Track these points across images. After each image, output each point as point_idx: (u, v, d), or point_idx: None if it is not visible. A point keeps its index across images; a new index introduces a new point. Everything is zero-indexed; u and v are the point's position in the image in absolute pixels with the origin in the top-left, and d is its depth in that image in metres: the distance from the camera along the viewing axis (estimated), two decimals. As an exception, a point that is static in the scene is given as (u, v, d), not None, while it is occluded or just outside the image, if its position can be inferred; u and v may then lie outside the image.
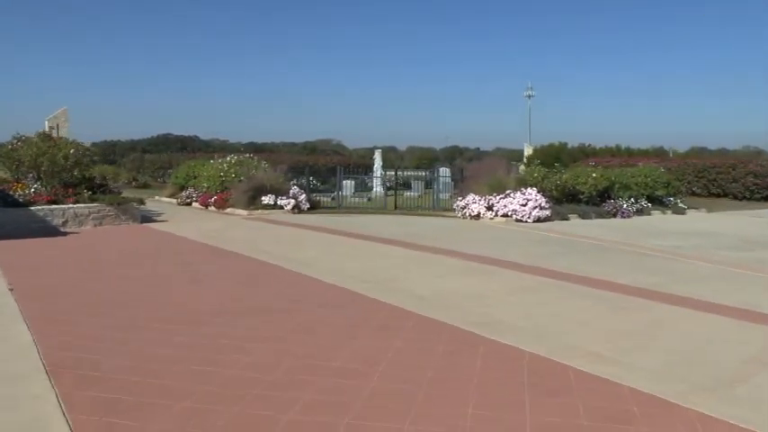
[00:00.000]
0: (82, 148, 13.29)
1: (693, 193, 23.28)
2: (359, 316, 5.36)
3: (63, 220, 11.63)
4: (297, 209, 15.84)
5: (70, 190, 12.36)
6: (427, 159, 54.08)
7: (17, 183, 12.83)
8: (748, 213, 17.62)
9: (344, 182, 19.89)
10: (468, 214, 14.85)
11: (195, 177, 18.90)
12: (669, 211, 17.19)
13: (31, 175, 13.15)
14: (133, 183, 29.48)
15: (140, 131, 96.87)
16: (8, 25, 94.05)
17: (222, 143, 59.75)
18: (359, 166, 28.77)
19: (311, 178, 20.19)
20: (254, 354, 4.25)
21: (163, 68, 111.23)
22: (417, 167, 40.70)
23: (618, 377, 3.83)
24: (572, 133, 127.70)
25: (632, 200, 16.65)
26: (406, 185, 23.53)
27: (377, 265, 8.05)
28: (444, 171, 21.84)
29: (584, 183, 16.39)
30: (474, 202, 14.88)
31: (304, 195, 16.37)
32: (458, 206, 15.44)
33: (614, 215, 15.64)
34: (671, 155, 36.56)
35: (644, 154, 33.82)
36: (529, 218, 13.95)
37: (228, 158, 18.46)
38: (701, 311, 5.66)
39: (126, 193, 15.70)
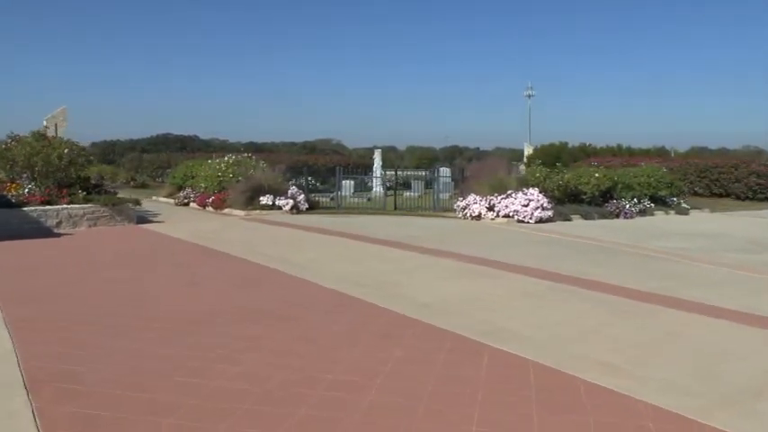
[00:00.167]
0: (77, 148, 13.05)
1: (696, 193, 23.06)
2: (357, 322, 5.14)
3: (57, 221, 11.41)
4: (295, 209, 15.62)
5: (64, 190, 12.14)
6: (427, 159, 53.89)
7: (11, 183, 12.61)
8: (752, 214, 17.40)
9: (344, 182, 19.66)
10: (468, 215, 14.63)
11: (193, 177, 18.67)
12: (672, 212, 16.97)
13: (25, 175, 12.93)
14: (131, 183, 29.25)
15: (140, 131, 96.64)
16: (8, 25, 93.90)
17: (222, 143, 59.56)
18: (358, 165, 28.56)
19: (310, 178, 19.98)
20: (246, 364, 4.03)
21: (163, 68, 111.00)
22: (417, 167, 40.51)
23: (631, 390, 3.61)
24: (572, 133, 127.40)
25: (635, 200, 16.43)
26: (406, 185, 23.30)
27: (376, 267, 7.83)
28: (444, 171, 21.63)
29: (586, 183, 16.17)
30: (475, 203, 14.65)
31: (302, 195, 16.15)
32: (458, 207, 15.21)
33: (617, 216, 15.42)
34: (672, 154, 36.38)
35: (645, 154, 33.64)
36: (531, 218, 13.73)
37: (226, 158, 18.22)
38: (713, 318, 5.44)
39: (124, 193, 15.50)
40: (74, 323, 5.00)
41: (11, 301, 5.67)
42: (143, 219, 13.24)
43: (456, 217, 15.03)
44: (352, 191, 21.51)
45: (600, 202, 16.13)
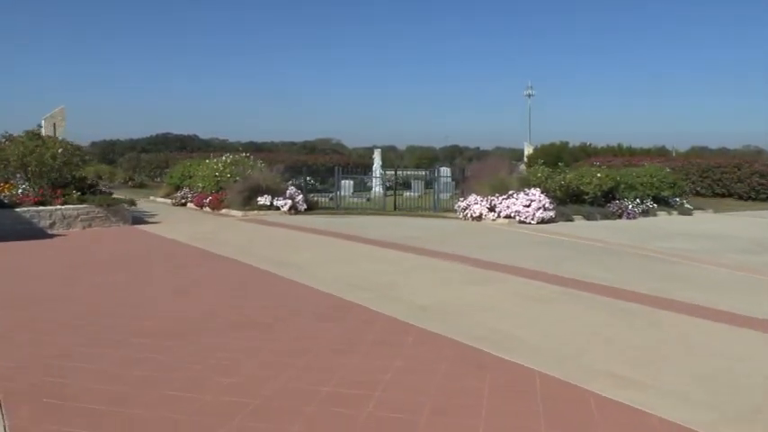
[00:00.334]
0: (71, 148, 12.83)
1: (698, 193, 22.86)
2: (355, 330, 4.94)
3: (50, 221, 11.21)
4: (294, 210, 15.42)
5: (58, 191, 11.94)
6: (427, 159, 53.65)
7: (5, 183, 12.41)
8: (756, 214, 17.21)
9: (343, 182, 19.45)
10: (469, 215, 14.43)
11: (190, 177, 18.48)
12: (675, 212, 16.78)
13: (18, 175, 12.72)
14: (129, 182, 29.05)
15: (140, 131, 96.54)
16: (8, 25, 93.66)
17: (222, 142, 59.37)
18: (358, 165, 28.37)
19: (309, 178, 19.77)
20: (237, 375, 3.83)
21: (163, 68, 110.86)
22: (417, 167, 40.29)
23: (645, 404, 3.41)
24: (572, 132, 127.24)
25: (638, 200, 16.24)
26: (406, 185, 23.10)
27: (375, 270, 7.63)
28: (445, 171, 21.43)
29: (588, 183, 15.97)
30: (476, 203, 14.45)
31: (301, 196, 15.95)
32: (459, 207, 15.02)
33: (620, 216, 15.23)
34: (673, 154, 36.11)
35: (646, 153, 33.37)
36: (532, 219, 13.54)
37: (224, 158, 18.02)
38: (725, 323, 5.24)
39: (121, 194, 15.32)
40: (61, 329, 4.80)
41: (-4, 306, 5.48)
42: (139, 219, 13.04)
43: (457, 217, 14.83)
44: (351, 191, 21.31)
45: (602, 202, 15.94)
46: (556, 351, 4.41)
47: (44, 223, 11.11)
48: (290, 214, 15.07)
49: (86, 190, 12.71)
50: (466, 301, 5.93)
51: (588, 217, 14.77)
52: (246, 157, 18.42)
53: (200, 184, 17.23)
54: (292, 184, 16.70)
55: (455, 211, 15.23)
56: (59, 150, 12.19)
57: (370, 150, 30.13)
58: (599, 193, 16.00)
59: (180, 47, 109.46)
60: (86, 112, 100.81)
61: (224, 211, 15.32)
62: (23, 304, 5.64)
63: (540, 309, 5.73)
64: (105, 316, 5.24)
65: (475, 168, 18.44)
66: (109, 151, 46.26)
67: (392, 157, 48.44)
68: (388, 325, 5.08)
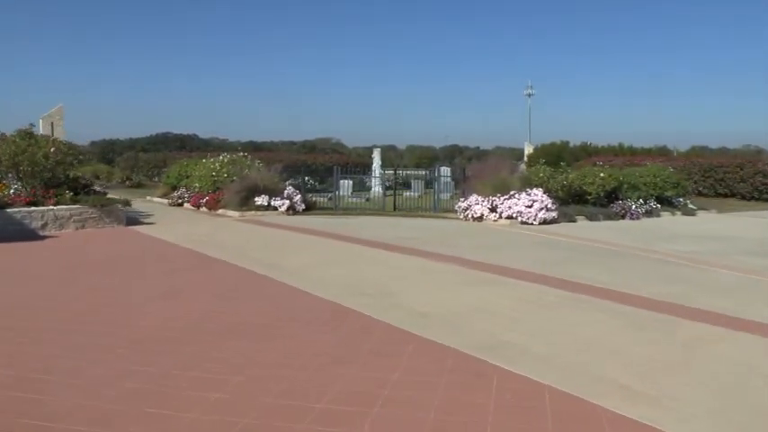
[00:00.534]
0: (65, 147, 12.57)
1: (700, 193, 22.63)
2: (351, 339, 4.70)
3: (42, 222, 10.97)
4: (292, 210, 15.18)
5: (51, 191, 11.69)
6: (427, 158, 53.37)
7: (-2, 183, 12.17)
8: (759, 214, 16.99)
9: (342, 182, 19.20)
10: (470, 216, 14.19)
11: (187, 177, 18.22)
12: (679, 213, 16.55)
13: (10, 175, 12.48)
14: (127, 182, 28.78)
15: (140, 130, 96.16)
16: (8, 24, 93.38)
17: (221, 142, 59.18)
18: (358, 165, 28.14)
19: (308, 178, 19.54)
20: (224, 389, 3.59)
21: (163, 68, 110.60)
22: (417, 166, 40.07)
23: (660, 422, 3.17)
24: (572, 132, 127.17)
25: (641, 201, 16.01)
26: (406, 185, 22.84)
27: (373, 274, 7.39)
28: (445, 170, 21.20)
29: (591, 183, 15.74)
30: (477, 204, 14.21)
31: (299, 196, 15.71)
32: (459, 207, 14.78)
33: (623, 217, 15.00)
34: (675, 154, 35.84)
35: (647, 153, 33.10)
36: (535, 220, 13.30)
37: (221, 157, 17.77)
38: (737, 330, 5.01)
39: (118, 194, 15.08)
40: (43, 338, 4.56)
41: (-23, 313, 5.24)
42: (133, 220, 12.80)
43: (457, 218, 14.60)
44: (350, 191, 21.06)
45: (605, 202, 15.71)
46: (563, 361, 4.17)
47: (36, 224, 10.87)
48: (288, 215, 14.83)
49: (80, 190, 12.46)
50: (468, 307, 5.69)
51: (591, 217, 14.53)
52: (244, 156, 18.18)
53: (196, 184, 16.98)
54: (290, 184, 16.46)
55: (455, 211, 14.99)
56: (52, 150, 11.93)
57: (370, 150, 29.86)
58: (602, 194, 15.77)
59: (180, 47, 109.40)
60: (86, 111, 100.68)
61: (221, 211, 15.08)
62: (7, 312, 5.40)
63: (546, 315, 5.49)
64: (92, 324, 5.00)
65: (476, 168, 18.19)
66: (108, 151, 45.99)
67: (392, 157, 48.19)
68: (387, 333, 4.84)
